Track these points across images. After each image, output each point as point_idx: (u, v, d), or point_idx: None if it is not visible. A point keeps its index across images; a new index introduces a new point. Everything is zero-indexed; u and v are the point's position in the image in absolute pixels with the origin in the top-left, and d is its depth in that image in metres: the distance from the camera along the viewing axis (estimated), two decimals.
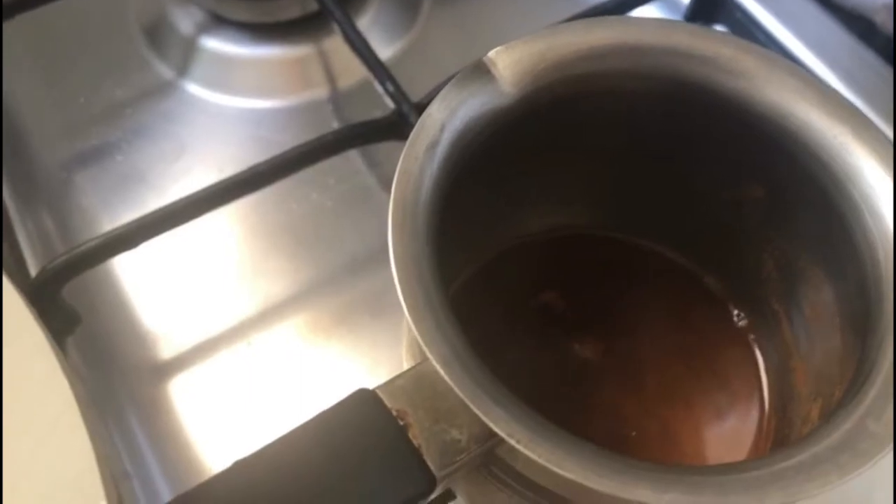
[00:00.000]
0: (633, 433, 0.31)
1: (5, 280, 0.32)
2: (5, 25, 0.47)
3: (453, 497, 0.29)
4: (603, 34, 0.26)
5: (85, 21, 0.50)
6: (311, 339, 0.40)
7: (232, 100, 0.48)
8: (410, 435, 0.21)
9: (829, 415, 0.22)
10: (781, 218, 0.28)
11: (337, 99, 0.48)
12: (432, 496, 0.22)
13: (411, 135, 0.23)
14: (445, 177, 0.24)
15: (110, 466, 0.32)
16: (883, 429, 0.21)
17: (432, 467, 0.21)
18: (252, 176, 0.40)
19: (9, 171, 0.44)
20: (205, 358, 0.39)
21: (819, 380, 0.27)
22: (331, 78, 0.49)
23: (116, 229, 0.38)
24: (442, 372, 0.20)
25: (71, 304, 0.38)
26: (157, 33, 0.50)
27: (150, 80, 0.49)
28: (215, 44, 0.49)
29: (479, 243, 0.30)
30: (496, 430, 0.19)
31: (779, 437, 0.29)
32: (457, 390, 0.20)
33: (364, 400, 0.21)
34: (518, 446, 0.19)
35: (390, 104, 0.42)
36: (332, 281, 0.42)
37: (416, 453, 0.21)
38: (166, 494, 0.36)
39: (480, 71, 0.25)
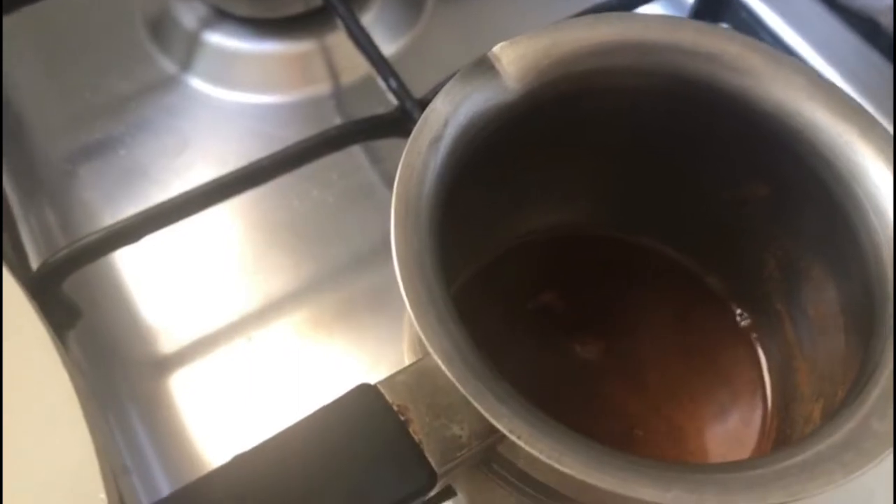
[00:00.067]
0: (640, 432, 0.31)
1: (6, 273, 0.32)
2: (9, 19, 0.46)
3: (453, 494, 0.29)
4: (607, 31, 0.25)
5: (88, 15, 0.50)
6: (312, 335, 0.40)
7: (235, 95, 0.48)
8: (411, 430, 0.21)
9: (832, 414, 0.22)
10: (785, 217, 0.28)
11: (340, 95, 0.48)
12: (432, 492, 0.22)
13: (415, 129, 0.23)
14: (448, 172, 0.24)
15: (110, 461, 0.32)
16: (887, 428, 0.21)
17: (433, 463, 0.21)
18: (254, 171, 0.39)
19: (12, 164, 0.44)
20: (205, 353, 0.39)
21: (822, 380, 0.27)
22: (334, 74, 0.49)
23: (118, 223, 0.38)
24: (443, 367, 0.20)
25: (72, 298, 0.38)
26: (160, 28, 0.50)
27: (154, 74, 0.48)
28: (219, 39, 0.49)
29: (480, 243, 0.30)
30: (497, 425, 0.19)
31: (781, 436, 0.29)
32: (458, 386, 0.19)
33: (365, 394, 0.21)
34: (519, 442, 0.19)
35: (393, 101, 0.42)
36: (334, 277, 0.42)
37: (416, 449, 0.21)
38: (166, 489, 0.36)
39: (485, 66, 0.25)
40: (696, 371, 0.32)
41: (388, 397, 0.21)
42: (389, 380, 0.22)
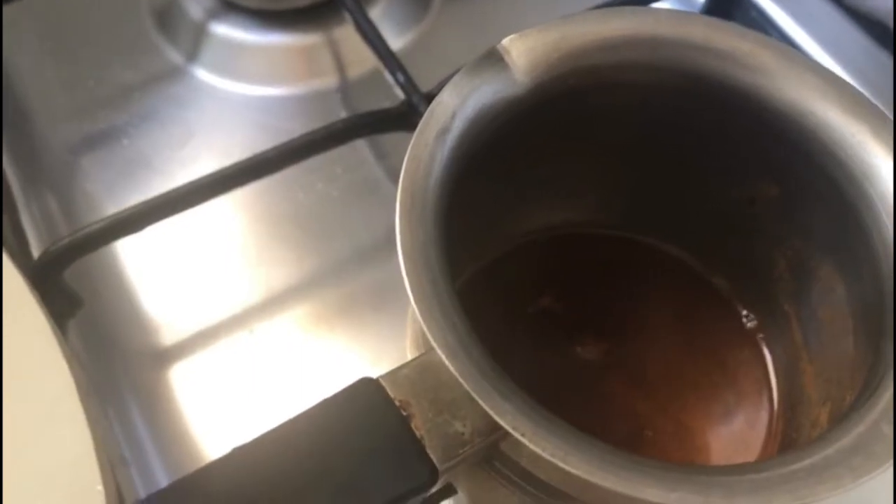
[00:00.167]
0: (649, 432, 0.31)
1: (7, 261, 0.32)
2: (15, 7, 0.46)
3: (453, 492, 0.29)
4: (619, 25, 0.25)
5: (95, 3, 0.50)
6: (315, 329, 0.39)
7: (240, 86, 0.48)
8: (413, 426, 0.21)
9: (842, 418, 0.21)
10: (795, 216, 0.28)
11: (346, 88, 0.48)
12: (433, 489, 0.21)
13: (422, 121, 0.23)
14: (455, 165, 0.23)
15: (108, 452, 0.32)
16: None
17: (434, 459, 0.21)
18: (258, 163, 0.39)
19: (15, 152, 0.44)
20: (206, 345, 0.39)
21: (829, 383, 0.26)
22: (340, 67, 0.48)
23: (120, 213, 0.37)
24: (447, 362, 0.19)
25: (73, 287, 0.38)
26: (167, 18, 0.49)
27: (159, 64, 0.48)
28: (225, 30, 0.49)
29: (485, 239, 0.30)
30: (501, 422, 0.19)
31: (787, 440, 0.29)
32: (461, 381, 0.19)
33: (367, 389, 0.21)
34: (523, 440, 0.18)
35: (400, 95, 0.42)
36: (337, 271, 0.41)
37: (417, 445, 0.20)
38: (164, 481, 0.36)
39: (493, 59, 0.24)
40: (702, 372, 0.32)
41: (390, 392, 0.21)
42: (392, 374, 0.21)
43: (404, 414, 0.21)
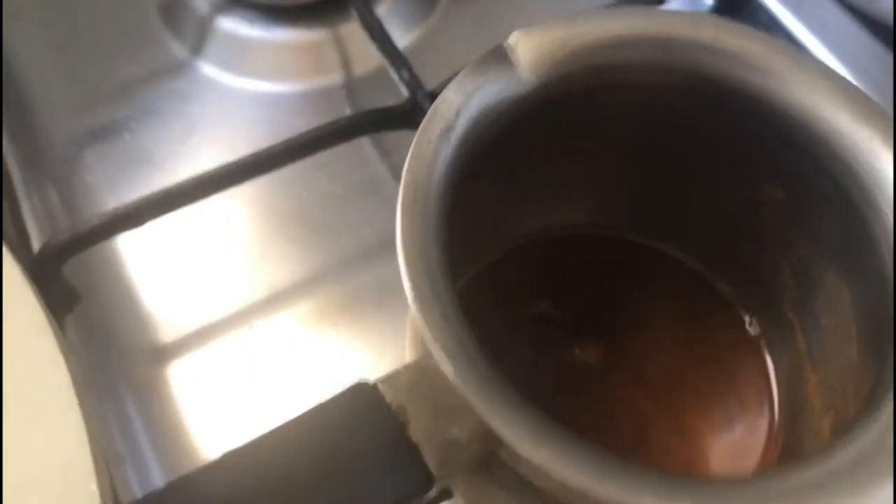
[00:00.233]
0: (653, 432, 0.30)
1: (6, 254, 0.32)
2: None
3: (449, 496, 0.28)
4: (628, 24, 0.25)
5: None
6: (316, 327, 0.39)
7: (245, 82, 0.47)
8: (409, 431, 0.20)
9: (846, 430, 0.21)
10: (802, 223, 0.27)
11: (351, 85, 0.48)
12: (429, 495, 0.21)
13: (425, 119, 0.23)
14: (458, 164, 0.23)
15: (103, 449, 0.32)
16: None
17: (430, 466, 0.20)
18: (261, 159, 0.39)
19: (16, 145, 0.44)
20: (205, 342, 0.39)
21: (832, 392, 0.26)
22: (346, 64, 0.48)
23: (122, 207, 0.37)
24: (445, 366, 0.19)
25: (72, 282, 0.37)
26: (172, 11, 0.49)
27: (163, 58, 0.48)
28: (230, 24, 0.48)
29: (487, 239, 0.29)
30: (496, 430, 0.18)
31: (787, 449, 0.28)
32: (459, 386, 0.19)
33: (361, 393, 0.21)
34: (519, 450, 0.18)
35: (405, 92, 0.41)
36: (340, 269, 0.41)
37: (413, 451, 0.20)
38: (160, 479, 0.35)
39: (499, 56, 0.24)
40: (703, 377, 0.31)
41: (386, 396, 0.21)
42: (388, 378, 0.21)
43: (400, 419, 0.20)
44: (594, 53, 0.24)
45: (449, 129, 0.22)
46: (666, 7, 0.46)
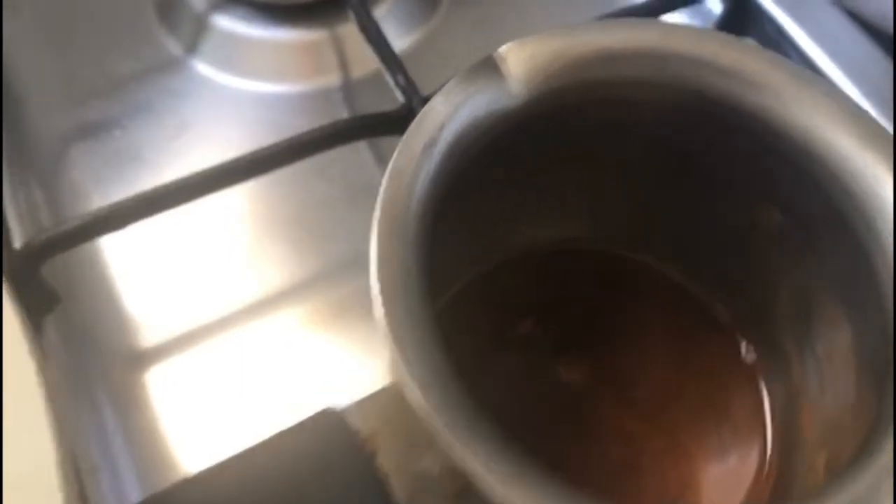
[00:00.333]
0: (644, 458, 0.29)
1: None
2: None
3: None
4: (623, 37, 0.24)
5: None
6: (305, 333, 0.38)
7: (240, 81, 0.46)
8: (377, 463, 0.19)
9: (843, 471, 0.20)
10: (801, 248, 0.26)
11: (349, 88, 0.47)
12: None
13: (408, 131, 0.22)
14: (442, 178, 0.22)
15: (77, 456, 0.31)
16: None
17: (398, 499, 0.19)
18: (251, 162, 0.38)
19: (5, 137, 0.43)
20: (188, 348, 0.38)
21: (828, 428, 0.25)
22: (344, 65, 0.47)
23: (103, 209, 0.36)
24: (416, 395, 0.18)
25: (51, 283, 0.36)
26: (168, 8, 0.48)
27: (158, 55, 0.47)
28: (227, 23, 0.47)
29: (471, 257, 0.28)
30: (464, 466, 0.17)
31: (780, 482, 0.27)
32: (430, 417, 0.18)
33: (327, 422, 0.20)
34: (487, 489, 0.17)
35: (400, 98, 0.40)
36: (331, 274, 0.40)
37: (380, 484, 0.19)
38: (135, 490, 0.34)
39: (489, 67, 0.23)
40: (695, 400, 0.30)
41: (353, 425, 0.19)
42: (358, 405, 0.20)
43: (368, 449, 0.19)
44: (588, 67, 0.23)
45: (433, 143, 0.21)
46: (671, 16, 0.45)
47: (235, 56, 0.47)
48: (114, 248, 0.40)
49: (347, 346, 0.38)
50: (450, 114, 0.22)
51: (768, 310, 0.28)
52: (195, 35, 0.47)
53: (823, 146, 0.23)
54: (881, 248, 0.22)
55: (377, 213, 0.20)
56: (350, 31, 0.46)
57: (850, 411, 0.24)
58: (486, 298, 0.29)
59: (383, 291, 0.19)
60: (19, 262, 0.35)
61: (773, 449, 0.29)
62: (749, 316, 0.30)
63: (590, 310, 0.30)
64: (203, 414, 0.36)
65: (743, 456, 0.29)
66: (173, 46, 0.47)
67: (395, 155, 0.21)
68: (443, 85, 0.38)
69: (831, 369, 0.26)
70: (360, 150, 0.43)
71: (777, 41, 0.45)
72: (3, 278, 0.31)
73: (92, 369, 0.37)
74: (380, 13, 0.46)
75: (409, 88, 0.40)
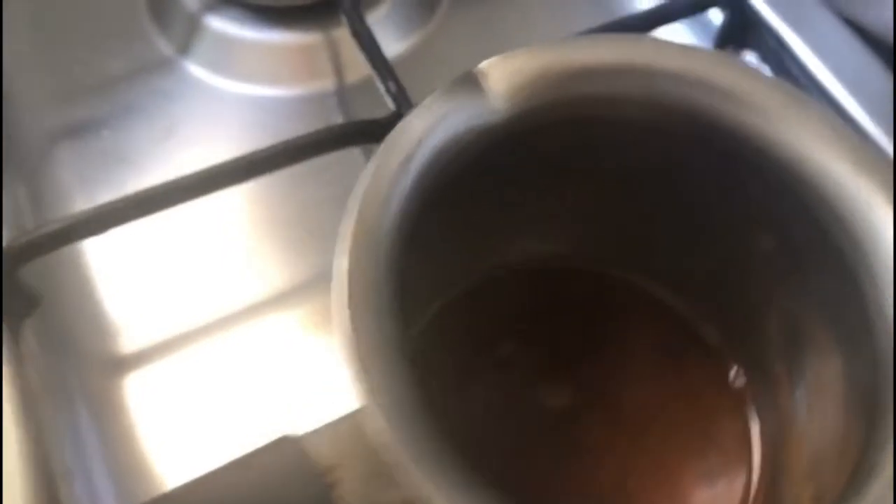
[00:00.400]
0: (631, 481, 0.29)
1: None
2: None
3: None
4: (611, 53, 0.23)
5: None
6: (289, 343, 0.37)
7: (232, 84, 0.46)
8: (336, 495, 0.18)
9: None
10: (791, 272, 0.26)
11: (342, 92, 0.46)
12: None
13: (382, 146, 0.21)
14: (419, 196, 0.21)
15: (51, 463, 0.30)
16: None
17: None
18: (236, 167, 0.37)
19: None
20: (169, 355, 0.37)
21: (815, 462, 0.24)
22: (338, 70, 0.46)
23: (85, 213, 0.35)
24: (381, 426, 0.17)
25: (31, 285, 0.36)
26: (161, 7, 0.47)
27: (149, 55, 0.46)
28: (221, 24, 0.47)
29: (451, 276, 0.27)
30: (430, 500, 0.17)
31: None
32: (395, 450, 0.17)
33: (285, 451, 0.19)
34: None
35: (391, 105, 0.39)
36: (318, 281, 0.39)
37: None
38: (109, 498, 0.34)
39: (469, 83, 0.22)
40: (682, 423, 0.29)
41: (313, 454, 0.19)
42: (318, 434, 0.19)
43: (327, 480, 0.18)
44: (572, 84, 0.22)
45: (409, 159, 0.21)
46: (671, 27, 0.45)
47: (228, 58, 0.46)
48: (97, 251, 0.39)
49: (330, 355, 0.37)
50: (427, 129, 0.21)
51: (758, 333, 0.28)
52: (188, 35, 0.47)
53: (816, 170, 0.23)
54: (871, 275, 0.22)
55: (347, 230, 0.20)
56: (344, 34, 0.45)
57: (839, 444, 0.23)
58: (467, 319, 0.28)
59: (351, 312, 0.18)
60: None
61: (760, 477, 0.28)
62: (738, 338, 0.29)
63: (573, 330, 0.29)
64: (181, 422, 0.35)
65: (729, 482, 0.29)
66: (165, 46, 0.46)
67: (370, 171, 0.21)
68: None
69: (820, 399, 0.25)
70: (354, 155, 0.42)
71: (777, 53, 0.44)
72: None
73: (70, 373, 0.36)
74: (377, 16, 0.46)
75: (400, 96, 0.39)
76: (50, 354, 0.36)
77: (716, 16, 0.46)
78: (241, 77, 0.46)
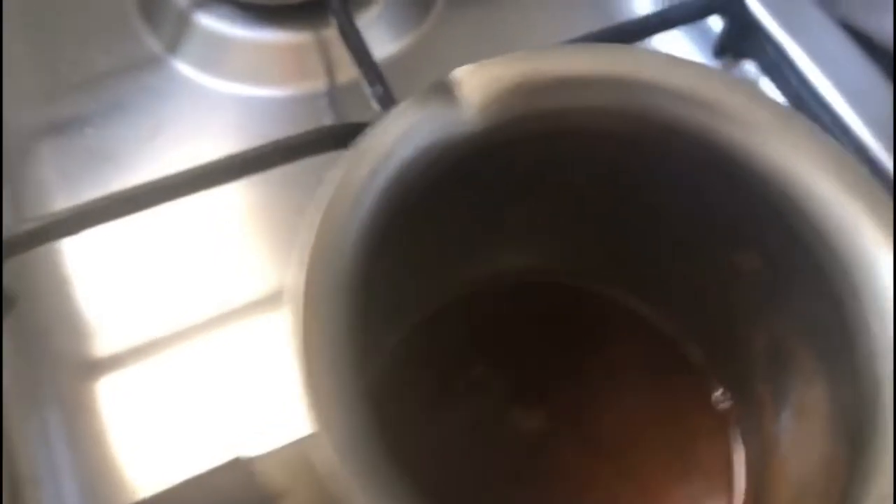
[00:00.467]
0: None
1: None
2: None
3: None
4: (592, 63, 0.22)
5: None
6: (271, 348, 0.36)
7: (222, 83, 0.45)
8: None
9: None
10: (777, 293, 0.25)
11: (333, 93, 0.45)
12: None
13: (348, 157, 0.20)
14: (386, 209, 0.20)
15: (17, 466, 0.30)
16: None
17: None
18: (220, 168, 0.36)
19: None
20: (144, 359, 0.36)
21: (800, 489, 0.23)
22: (328, 70, 0.45)
23: (64, 212, 0.35)
24: (329, 454, 0.16)
25: (7, 284, 0.35)
26: (151, 4, 0.47)
27: (137, 52, 0.45)
28: (210, 22, 0.46)
29: (423, 292, 0.26)
30: None
31: None
32: (344, 479, 0.16)
33: (237, 474, 0.18)
34: None
35: (377, 108, 0.39)
36: None
37: None
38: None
39: (442, 91, 0.21)
40: (664, 447, 0.29)
41: (262, 477, 0.18)
42: (270, 456, 0.18)
43: None
44: (549, 95, 0.22)
45: (375, 172, 0.20)
46: (670, 34, 0.44)
47: (217, 56, 0.45)
48: (75, 250, 0.38)
49: None
50: (396, 140, 0.20)
51: (742, 352, 0.27)
52: (177, 33, 0.46)
53: (803, 190, 0.22)
54: (857, 306, 0.21)
55: (306, 245, 0.19)
56: (335, 34, 0.45)
57: (824, 471, 0.22)
58: (439, 338, 0.27)
59: (305, 336, 0.17)
60: None
61: (745, 499, 0.27)
62: (722, 357, 0.28)
63: (549, 348, 0.28)
64: (154, 428, 0.34)
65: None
66: (153, 43, 0.46)
67: (332, 182, 0.20)
68: None
69: (805, 422, 0.24)
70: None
71: (777, 62, 0.43)
72: None
73: (43, 375, 0.36)
74: (370, 16, 0.45)
75: (387, 99, 0.38)
76: (23, 355, 0.36)
77: (716, 23, 0.45)
78: (230, 76, 0.45)
